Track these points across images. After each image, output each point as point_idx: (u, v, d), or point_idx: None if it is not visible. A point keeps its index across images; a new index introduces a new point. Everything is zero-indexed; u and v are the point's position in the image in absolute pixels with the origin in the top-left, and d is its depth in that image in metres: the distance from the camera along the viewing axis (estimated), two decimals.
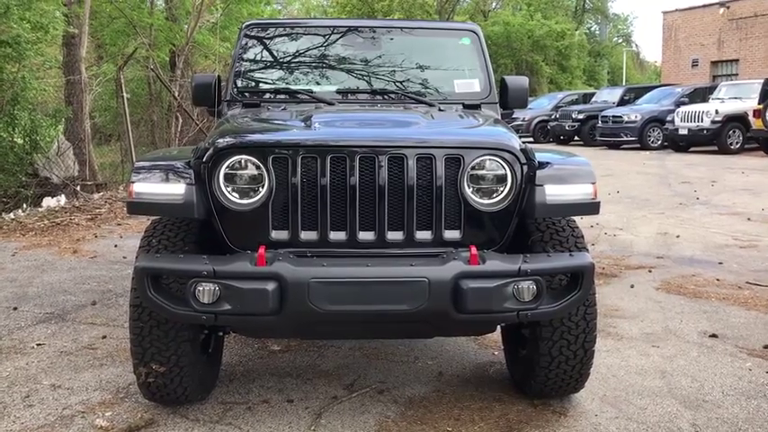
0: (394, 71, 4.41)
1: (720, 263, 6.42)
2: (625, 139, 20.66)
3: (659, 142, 20.33)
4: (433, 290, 2.77)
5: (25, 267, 6.33)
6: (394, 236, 2.98)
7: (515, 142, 3.08)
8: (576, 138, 23.66)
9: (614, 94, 24.40)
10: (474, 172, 3.00)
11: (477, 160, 3.00)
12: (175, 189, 2.99)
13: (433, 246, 2.98)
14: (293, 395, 3.53)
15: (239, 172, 2.98)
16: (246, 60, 4.41)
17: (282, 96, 4.19)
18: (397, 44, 4.50)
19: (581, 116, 23.01)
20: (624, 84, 44.89)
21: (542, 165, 3.17)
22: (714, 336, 4.41)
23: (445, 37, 4.62)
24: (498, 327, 3.49)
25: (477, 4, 50.90)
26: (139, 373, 3.16)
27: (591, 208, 3.17)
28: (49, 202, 9.34)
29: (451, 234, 3.00)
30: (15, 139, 8.97)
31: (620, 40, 66.82)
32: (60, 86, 10.74)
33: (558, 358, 3.21)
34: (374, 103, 4.11)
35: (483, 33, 4.70)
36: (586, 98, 26.04)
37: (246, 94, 4.22)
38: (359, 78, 4.38)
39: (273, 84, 4.35)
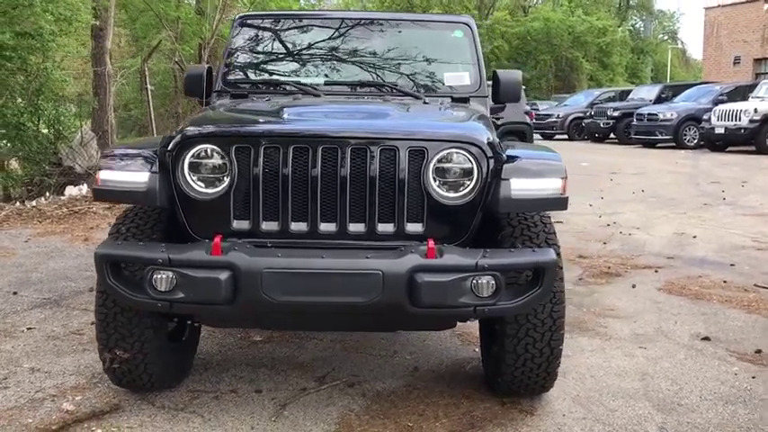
0: (385, 63, 4.39)
1: (732, 264, 6.24)
2: (660, 137, 20.24)
3: (695, 141, 19.85)
4: (388, 283, 2.74)
5: (35, 253, 6.48)
6: (356, 228, 2.95)
7: (482, 136, 3.03)
8: (611, 135, 23.28)
9: (651, 92, 23.93)
10: (439, 165, 2.96)
11: (442, 153, 2.95)
12: (139, 177, 3.02)
13: (395, 239, 2.95)
14: (263, 386, 3.54)
15: (204, 161, 2.98)
16: (238, 52, 4.44)
17: (270, 88, 4.20)
18: (389, 36, 4.47)
19: (616, 113, 22.63)
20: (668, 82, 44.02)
21: (512, 159, 3.12)
22: (706, 338, 4.28)
23: (438, 30, 4.57)
24: (477, 322, 3.46)
25: (517, 0, 50.39)
26: (104, 359, 3.20)
27: (559, 203, 3.09)
28: (71, 190, 9.54)
29: (414, 227, 2.97)
30: (41, 129, 9.17)
31: (665, 37, 65.50)
32: (81, 77, 10.95)
33: (523, 356, 3.16)
34: (360, 95, 4.09)
35: (476, 26, 4.64)
36: (623, 95, 25.58)
37: (236, 85, 4.24)
38: (349, 70, 4.37)
39: (262, 75, 4.37)
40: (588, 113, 24.15)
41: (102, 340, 3.16)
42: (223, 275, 2.73)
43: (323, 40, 4.48)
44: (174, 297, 2.78)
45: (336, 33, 4.50)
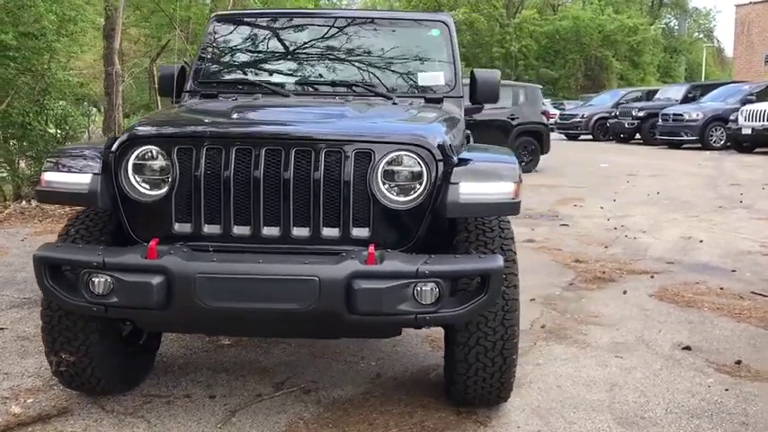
0: (359, 63, 4.31)
1: (734, 270, 6.04)
2: (685, 138, 19.82)
3: (722, 142, 19.39)
4: (324, 289, 2.66)
5: (27, 252, 6.52)
6: (300, 232, 2.88)
7: (432, 138, 2.93)
8: (636, 136, 22.88)
9: (678, 92, 23.46)
10: (387, 168, 2.87)
11: (390, 156, 2.87)
12: (81, 178, 2.97)
13: (341, 243, 2.86)
14: (218, 391, 3.48)
15: (148, 163, 2.94)
16: (211, 52, 4.40)
17: (241, 88, 4.15)
18: (366, 35, 4.40)
19: (641, 113, 22.23)
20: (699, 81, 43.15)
21: (464, 162, 3.01)
22: (687, 348, 4.12)
23: (415, 28, 4.48)
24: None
25: None
26: (51, 362, 3.17)
27: (510, 208, 2.98)
28: None
29: (360, 232, 2.88)
30: (48, 129, 9.26)
31: (700, 36, 64.30)
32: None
33: (475, 365, 3.05)
34: (330, 95, 4.02)
35: (454, 25, 4.54)
36: (650, 95, 25.11)
37: (208, 84, 4.20)
38: (322, 70, 4.30)
39: (235, 75, 4.32)
40: (613, 113, 23.77)
41: (48, 343, 3.13)
42: (155, 280, 2.68)
43: (298, 40, 4.43)
44: (109, 301, 2.74)
45: (312, 32, 4.44)
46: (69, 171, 3.02)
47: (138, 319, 3.03)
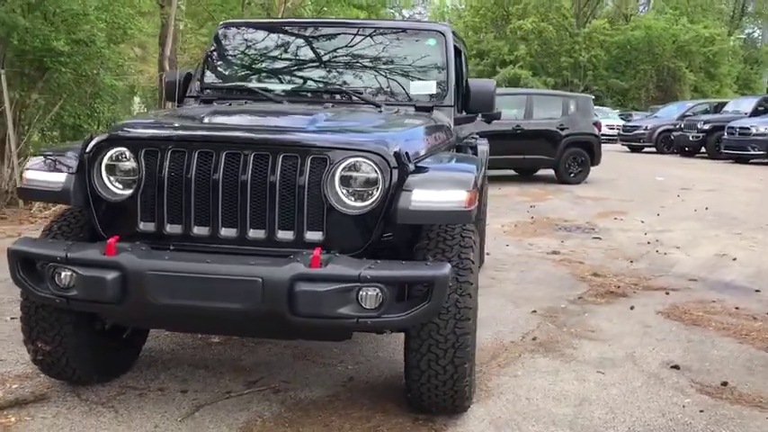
0: (355, 71, 4.39)
1: (758, 290, 5.82)
2: (752, 152, 19.04)
3: None
4: (267, 290, 2.74)
5: None
6: (256, 234, 2.96)
7: (388, 146, 2.97)
8: (702, 150, 22.12)
9: (748, 104, 22.53)
10: (342, 173, 2.94)
11: (344, 162, 2.93)
12: (56, 177, 3.14)
13: (295, 246, 2.93)
14: (192, 386, 3.59)
15: (118, 164, 3.08)
16: (215, 59, 4.56)
17: (239, 93, 4.29)
18: (365, 44, 4.48)
19: (707, 126, 21.47)
20: None
21: (421, 170, 3.05)
22: (676, 367, 4.01)
23: (413, 37, 4.53)
24: None
25: (619, 8, 48.84)
26: (29, 350, 3.35)
27: (461, 216, 2.98)
28: None
29: (313, 235, 2.94)
30: (99, 131, 9.67)
31: None
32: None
33: (427, 372, 3.07)
34: (322, 102, 4.10)
35: (452, 34, 4.57)
36: (718, 108, 24.23)
37: (207, 90, 4.36)
38: (317, 78, 4.40)
39: (234, 81, 4.45)
40: (678, 126, 23.04)
41: (26, 332, 3.31)
42: (110, 275, 2.80)
43: (297, 48, 4.54)
44: (70, 294, 2.88)
45: (311, 41, 4.54)
46: (47, 170, 3.19)
47: (101, 313, 3.16)
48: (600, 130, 14.39)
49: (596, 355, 4.22)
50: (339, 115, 3.53)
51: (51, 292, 2.92)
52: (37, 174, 3.20)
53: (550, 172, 14.31)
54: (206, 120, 3.28)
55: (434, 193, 2.95)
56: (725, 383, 3.77)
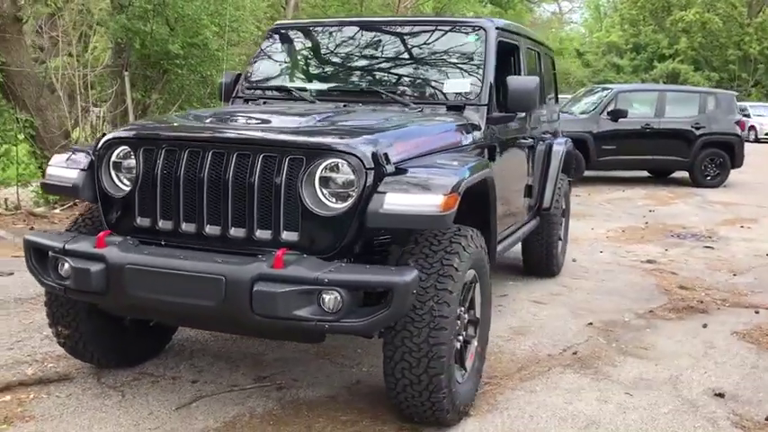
0: (390, 70, 4.35)
1: None
2: None
3: None
4: (230, 289, 2.77)
5: None
6: (236, 233, 3.01)
7: (365, 147, 2.91)
8: None
9: None
10: (318, 174, 2.92)
11: (320, 163, 2.91)
12: (70, 174, 3.36)
13: (272, 246, 2.95)
14: (204, 377, 3.71)
15: (123, 161, 3.26)
16: (261, 60, 4.67)
17: (276, 93, 4.39)
18: (405, 42, 4.43)
19: None
20: None
21: (400, 172, 2.95)
22: (720, 395, 3.61)
23: (453, 33, 4.39)
24: None
25: None
26: (53, 333, 3.61)
27: (435, 221, 2.86)
28: None
29: (289, 236, 2.94)
30: None
31: None
32: None
33: (402, 380, 2.97)
34: (353, 102, 4.10)
35: (501, 29, 4.38)
36: None
37: (251, 90, 4.49)
38: (352, 77, 4.40)
39: (272, 82, 4.54)
40: None
41: (49, 316, 3.56)
42: (95, 267, 2.96)
43: (338, 48, 4.55)
44: (66, 283, 3.08)
45: (354, 40, 4.53)
46: (64, 167, 3.42)
47: (93, 302, 3.32)
48: (744, 130, 13.18)
49: (635, 374, 3.88)
50: (342, 115, 3.50)
51: (53, 280, 3.14)
52: (56, 170, 3.44)
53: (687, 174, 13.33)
54: (207, 120, 3.38)
55: (408, 197, 2.85)
56: None
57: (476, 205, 3.58)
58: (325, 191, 2.92)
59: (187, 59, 9.05)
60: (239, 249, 2.97)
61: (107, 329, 3.59)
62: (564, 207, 6.15)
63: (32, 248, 3.23)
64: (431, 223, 2.88)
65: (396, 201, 2.84)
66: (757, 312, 5.11)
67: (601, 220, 9.28)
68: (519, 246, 5.86)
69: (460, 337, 3.27)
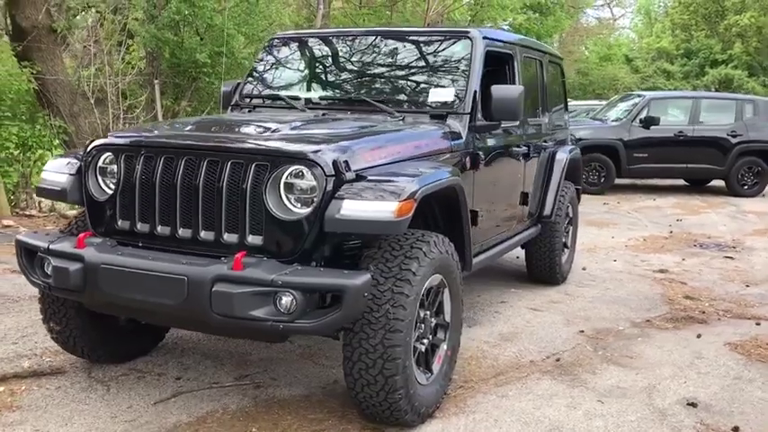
0: (378, 79, 4.47)
1: None
2: None
3: None
4: (191, 289, 2.91)
5: None
6: (206, 236, 3.15)
7: (326, 155, 3.02)
8: None
9: None
10: (281, 180, 3.04)
11: (282, 170, 3.03)
12: (60, 178, 3.55)
13: (239, 249, 3.08)
14: (188, 375, 3.86)
15: (108, 167, 3.44)
16: (258, 69, 4.84)
17: (267, 102, 4.55)
18: (395, 51, 4.52)
19: None
20: None
21: (359, 179, 3.06)
22: (692, 405, 3.60)
23: (440, 43, 4.47)
24: None
25: None
26: (46, 328, 3.81)
27: (389, 227, 2.94)
28: None
29: (254, 239, 3.07)
30: None
31: None
32: None
33: (359, 381, 3.07)
34: (341, 110, 4.23)
35: (490, 39, 4.45)
36: None
37: (246, 99, 4.65)
38: (341, 86, 4.52)
39: (266, 92, 4.68)
40: None
41: (42, 312, 3.76)
42: (73, 266, 3.14)
43: (332, 58, 4.68)
44: (49, 281, 3.27)
45: (347, 51, 4.65)
46: (56, 171, 3.62)
47: (73, 299, 3.49)
48: None
49: (612, 382, 3.89)
50: (317, 124, 3.63)
51: (39, 278, 3.33)
52: (49, 174, 3.64)
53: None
54: (188, 128, 3.54)
55: (364, 203, 2.94)
56: (736, 428, 3.32)
57: (449, 212, 3.67)
58: (289, 197, 3.04)
59: (215, 68, 9.32)
60: (209, 252, 3.11)
61: (97, 326, 3.76)
62: (570, 215, 6.14)
63: (23, 248, 3.43)
64: (385, 229, 2.97)
65: (352, 207, 2.94)
66: (758, 324, 5.03)
67: (624, 229, 9.18)
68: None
69: (425, 341, 3.35)
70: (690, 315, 5.22)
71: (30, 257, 3.42)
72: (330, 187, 2.97)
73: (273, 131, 3.40)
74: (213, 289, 2.85)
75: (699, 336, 4.71)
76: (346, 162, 3.05)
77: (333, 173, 2.99)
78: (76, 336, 3.73)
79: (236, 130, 3.58)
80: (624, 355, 4.35)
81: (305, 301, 2.84)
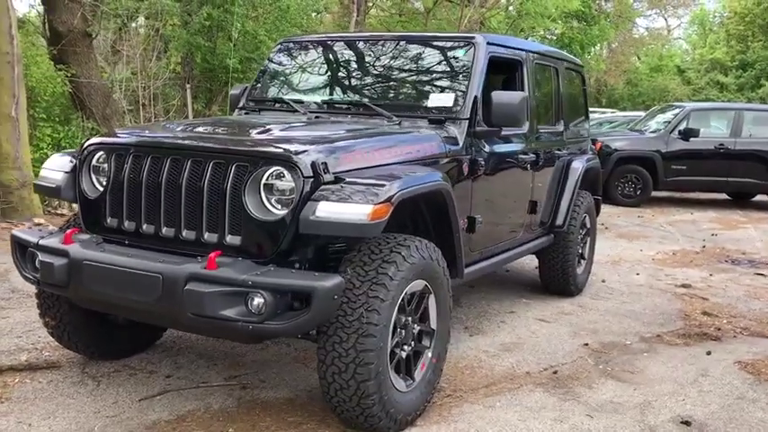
0: (382, 83, 4.45)
1: None
2: None
3: None
4: (166, 287, 2.93)
5: None
6: (188, 235, 3.18)
7: (305, 157, 3.01)
8: None
9: None
10: (259, 182, 3.05)
11: (261, 171, 3.04)
12: (55, 175, 3.63)
13: (218, 248, 3.09)
14: (179, 373, 3.89)
15: (102, 165, 3.50)
16: (267, 73, 4.87)
17: (273, 105, 4.58)
18: (400, 57, 4.50)
19: None
20: None
21: (339, 181, 3.04)
22: (686, 423, 3.46)
23: (444, 48, 4.43)
24: None
25: None
26: (42, 323, 3.89)
27: (363, 229, 2.91)
28: None
29: (233, 239, 3.09)
30: None
31: None
32: None
33: (333, 384, 3.04)
34: (342, 114, 4.24)
35: (494, 44, 4.39)
36: None
37: (253, 102, 4.70)
38: (344, 91, 4.52)
39: (271, 95, 4.71)
40: None
41: (39, 307, 3.84)
42: (58, 261, 3.19)
43: (338, 62, 4.69)
44: (38, 275, 3.34)
45: (353, 55, 4.65)
46: (52, 169, 3.69)
47: (59, 294, 3.54)
48: None
49: (607, 397, 3.77)
50: (307, 126, 3.64)
51: (29, 272, 3.40)
52: (47, 171, 3.72)
53: None
54: (179, 129, 3.58)
55: (339, 206, 2.93)
56: None
57: (439, 217, 3.62)
58: (270, 197, 3.04)
59: (246, 73, 9.45)
60: (190, 251, 3.13)
61: (91, 322, 3.81)
62: (587, 225, 6.01)
63: (16, 243, 3.51)
64: (359, 231, 2.94)
65: (327, 209, 2.92)
66: None
67: (654, 242, 8.95)
68: None
69: (406, 347, 3.31)
70: (704, 331, 5.04)
71: (23, 252, 3.50)
72: (308, 189, 2.97)
73: (259, 133, 3.42)
74: (185, 287, 2.87)
75: (708, 353, 4.55)
76: (325, 164, 3.03)
77: (311, 174, 2.98)
78: (70, 331, 3.79)
79: (224, 131, 3.61)
80: (625, 369, 4.22)
81: (275, 303, 2.83)
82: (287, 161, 3.00)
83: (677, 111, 12.67)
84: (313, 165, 3.00)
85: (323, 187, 2.98)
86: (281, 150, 3.07)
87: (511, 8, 14.85)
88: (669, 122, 12.35)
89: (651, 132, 12.47)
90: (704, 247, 8.79)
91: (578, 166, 5.67)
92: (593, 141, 12.02)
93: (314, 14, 10.86)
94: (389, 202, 2.96)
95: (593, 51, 26.63)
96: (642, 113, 18.03)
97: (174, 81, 9.92)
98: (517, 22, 14.68)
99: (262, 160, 3.04)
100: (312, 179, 2.98)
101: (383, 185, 3.01)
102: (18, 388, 3.64)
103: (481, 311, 5.32)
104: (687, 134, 11.92)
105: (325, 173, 3.02)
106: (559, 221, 5.47)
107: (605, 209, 11.65)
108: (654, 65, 39.62)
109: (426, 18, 14.20)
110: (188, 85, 9.37)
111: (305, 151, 3.06)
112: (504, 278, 6.45)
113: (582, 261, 6.02)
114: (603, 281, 6.53)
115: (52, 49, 8.58)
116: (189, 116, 9.42)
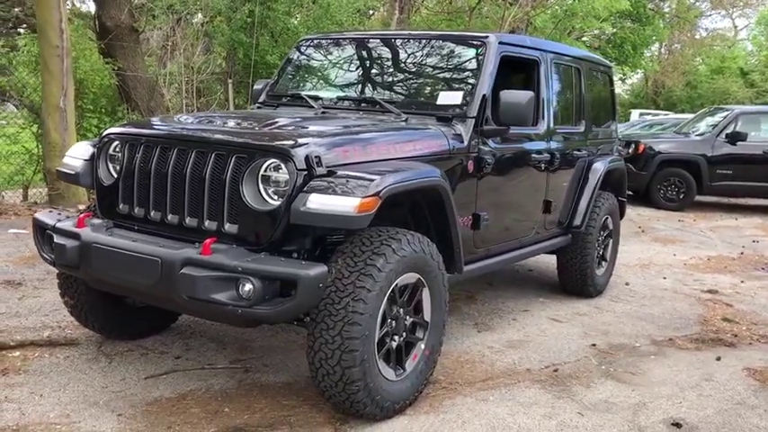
0: (394, 81, 4.55)
1: None
2: None
3: None
4: (165, 270, 3.09)
5: None
6: (191, 222, 3.34)
7: (300, 150, 3.13)
8: None
9: None
10: (261, 173, 3.18)
11: (258, 162, 3.17)
12: (75, 163, 3.84)
13: (217, 235, 3.24)
14: (188, 355, 4.07)
15: (117, 155, 3.70)
16: (286, 69, 5.02)
17: (288, 100, 4.72)
18: (413, 55, 4.59)
19: None
20: None
21: (331, 174, 3.15)
22: (676, 425, 3.46)
23: (458, 47, 4.48)
24: None
25: None
26: (63, 302, 4.11)
27: (351, 221, 3.01)
28: None
29: (231, 227, 3.23)
30: None
31: None
32: None
33: (320, 370, 3.15)
34: (353, 110, 4.35)
35: (506, 44, 4.44)
36: None
37: (272, 97, 4.85)
38: (359, 87, 4.62)
39: (289, 91, 4.85)
40: None
41: (60, 287, 4.07)
42: (71, 243, 3.40)
43: (353, 60, 4.80)
44: (54, 256, 3.55)
45: (367, 53, 4.76)
46: (74, 157, 3.91)
47: (83, 277, 3.73)
48: None
49: (602, 397, 3.79)
50: (310, 120, 3.75)
51: (47, 253, 3.62)
52: (68, 159, 3.93)
53: None
54: (189, 121, 3.74)
55: (329, 198, 3.03)
56: None
57: (437, 213, 3.70)
58: (267, 188, 3.17)
59: None
60: (192, 237, 3.29)
61: (107, 303, 4.02)
62: (608, 227, 5.98)
63: (37, 226, 3.74)
64: (346, 223, 3.04)
65: (318, 200, 3.03)
66: None
67: (690, 247, 8.80)
68: None
69: (397, 337, 3.40)
70: (719, 337, 4.98)
71: (42, 234, 3.72)
72: (300, 181, 3.08)
73: (263, 126, 3.55)
74: (181, 271, 3.02)
75: (718, 358, 4.50)
76: (318, 158, 3.14)
77: (304, 167, 3.09)
78: (87, 310, 4.00)
79: (231, 124, 3.75)
80: (628, 371, 4.21)
81: (263, 288, 2.95)
82: (282, 153, 3.13)
83: (725, 113, 12.36)
84: (307, 158, 3.11)
85: (315, 180, 3.10)
86: (278, 143, 3.19)
87: (557, 8, 14.67)
88: (716, 125, 12.07)
89: (697, 135, 12.22)
90: (742, 253, 8.60)
91: (600, 167, 5.65)
92: (637, 143, 11.98)
93: (357, 12, 10.98)
94: (377, 195, 3.05)
95: (649, 52, 26.03)
96: (685, 116, 17.62)
97: (218, 76, 10.18)
98: (563, 21, 14.48)
99: (259, 152, 3.17)
100: (305, 172, 3.09)
101: (372, 179, 3.11)
102: (36, 362, 3.87)
103: (495, 308, 5.36)
104: (734, 138, 11.64)
105: (318, 166, 3.13)
106: (577, 222, 5.46)
107: (645, 212, 11.52)
108: (715, 66, 38.45)
109: (470, 16, 14.18)
110: (230, 80, 9.62)
111: (300, 145, 3.17)
112: (525, 277, 6.47)
113: (603, 263, 5.99)
114: (627, 283, 6.48)
115: (100, 43, 8.94)
116: (230, 109, 9.67)
